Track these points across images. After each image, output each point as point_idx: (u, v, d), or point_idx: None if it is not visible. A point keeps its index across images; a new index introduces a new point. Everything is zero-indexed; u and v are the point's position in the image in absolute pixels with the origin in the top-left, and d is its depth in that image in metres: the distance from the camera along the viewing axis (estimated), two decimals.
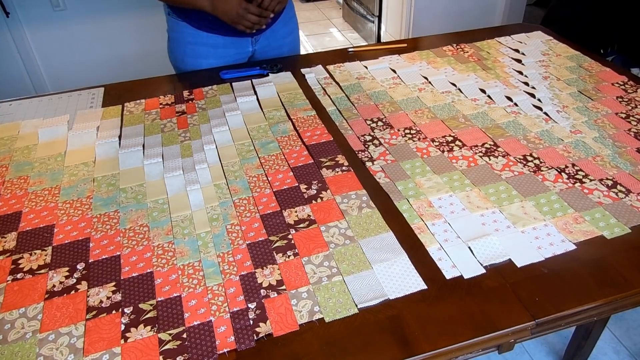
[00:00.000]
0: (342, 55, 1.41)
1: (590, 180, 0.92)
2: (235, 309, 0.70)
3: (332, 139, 1.05)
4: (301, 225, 0.83)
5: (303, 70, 1.33)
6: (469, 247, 0.78)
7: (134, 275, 0.75)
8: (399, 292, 0.71)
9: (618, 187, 0.90)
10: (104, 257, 0.79)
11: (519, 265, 0.75)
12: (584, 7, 1.86)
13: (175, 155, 1.02)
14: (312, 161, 0.98)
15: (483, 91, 1.21)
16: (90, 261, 0.78)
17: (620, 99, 1.16)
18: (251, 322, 0.68)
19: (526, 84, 1.24)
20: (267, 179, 0.94)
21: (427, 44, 1.47)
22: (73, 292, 0.73)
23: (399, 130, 1.07)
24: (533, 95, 1.19)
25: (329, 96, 1.21)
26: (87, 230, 0.84)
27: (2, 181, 0.97)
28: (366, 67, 1.34)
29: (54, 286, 0.74)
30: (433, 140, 1.04)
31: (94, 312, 0.70)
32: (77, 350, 0.65)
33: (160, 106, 1.20)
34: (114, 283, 0.74)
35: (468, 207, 0.86)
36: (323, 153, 1.01)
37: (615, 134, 1.04)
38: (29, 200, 0.91)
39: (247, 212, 0.86)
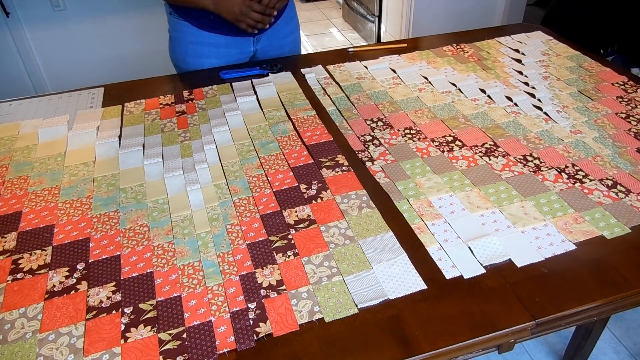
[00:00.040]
0: (342, 55, 1.41)
1: (590, 180, 0.92)
2: (235, 309, 0.70)
3: (332, 139, 1.05)
4: (301, 225, 0.83)
5: (303, 70, 1.33)
6: (469, 247, 0.78)
7: (134, 275, 0.75)
8: (399, 292, 0.71)
9: (618, 187, 0.90)
10: (104, 257, 0.79)
11: (519, 265, 0.75)
12: (584, 7, 1.86)
13: (175, 155, 1.02)
14: (312, 161, 0.98)
15: (483, 91, 1.21)
16: (90, 261, 0.78)
17: (620, 99, 1.16)
18: (251, 322, 0.68)
19: (526, 84, 1.24)
20: (267, 179, 0.94)
21: (427, 44, 1.47)
22: (73, 292, 0.73)
23: (399, 130, 1.07)
24: (533, 95, 1.19)
25: (329, 96, 1.21)
26: (87, 230, 0.84)
27: (2, 181, 0.97)
28: (366, 67, 1.34)
29: (54, 286, 0.74)
30: (433, 140, 1.04)
31: (94, 312, 0.70)
32: (77, 350, 0.65)
33: (160, 106, 1.20)
34: (114, 283, 0.74)
35: (468, 207, 0.86)
36: (323, 153, 1.01)
37: (615, 134, 1.04)
38: (29, 200, 0.91)
39: (247, 212, 0.86)
